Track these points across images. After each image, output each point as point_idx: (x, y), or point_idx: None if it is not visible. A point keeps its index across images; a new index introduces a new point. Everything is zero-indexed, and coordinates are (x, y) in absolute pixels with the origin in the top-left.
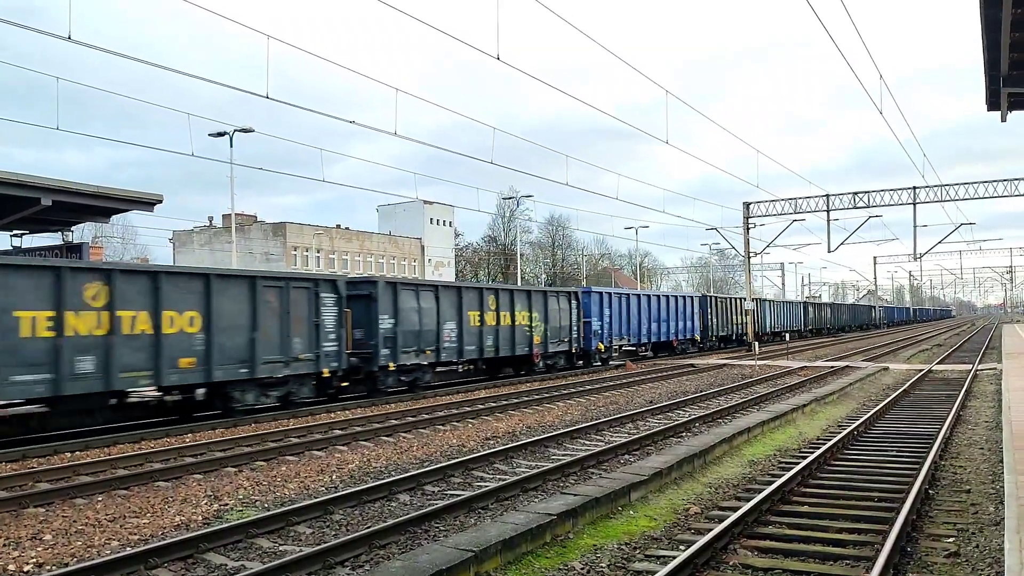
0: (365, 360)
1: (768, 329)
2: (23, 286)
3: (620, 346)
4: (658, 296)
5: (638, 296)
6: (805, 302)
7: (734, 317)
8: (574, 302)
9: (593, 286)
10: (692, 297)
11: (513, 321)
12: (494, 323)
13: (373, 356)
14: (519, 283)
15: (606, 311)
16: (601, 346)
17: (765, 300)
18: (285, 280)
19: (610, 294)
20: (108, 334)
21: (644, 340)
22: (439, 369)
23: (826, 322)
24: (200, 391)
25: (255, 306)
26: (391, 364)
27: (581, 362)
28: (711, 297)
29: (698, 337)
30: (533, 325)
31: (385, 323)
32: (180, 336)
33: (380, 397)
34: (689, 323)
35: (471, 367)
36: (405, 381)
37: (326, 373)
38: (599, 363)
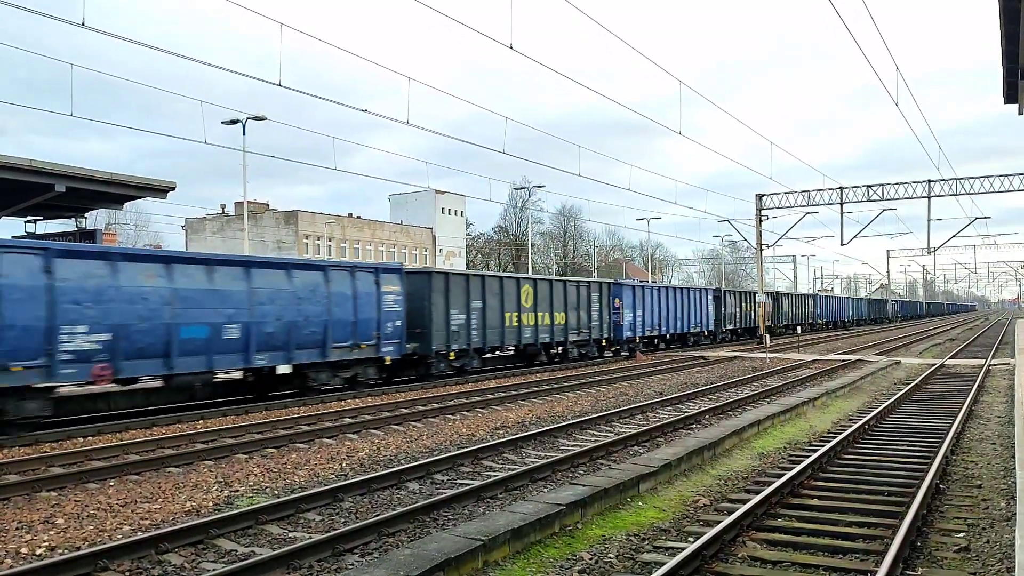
0: (615, 332)
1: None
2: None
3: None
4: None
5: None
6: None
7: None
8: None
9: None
10: (385, 270)
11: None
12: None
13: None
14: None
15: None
16: None
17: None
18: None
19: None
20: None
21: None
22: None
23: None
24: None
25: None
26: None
27: None
28: (450, 274)
29: (403, 344)
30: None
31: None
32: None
33: (391, 386)
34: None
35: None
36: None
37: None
38: None
